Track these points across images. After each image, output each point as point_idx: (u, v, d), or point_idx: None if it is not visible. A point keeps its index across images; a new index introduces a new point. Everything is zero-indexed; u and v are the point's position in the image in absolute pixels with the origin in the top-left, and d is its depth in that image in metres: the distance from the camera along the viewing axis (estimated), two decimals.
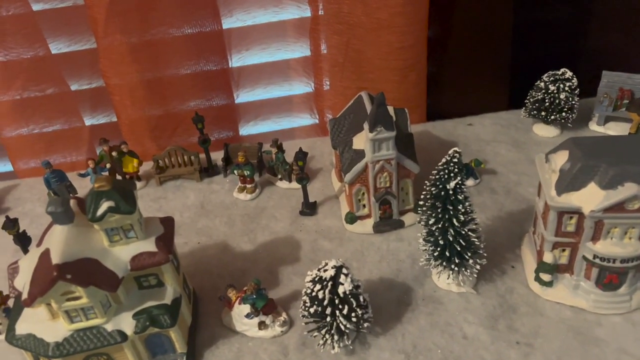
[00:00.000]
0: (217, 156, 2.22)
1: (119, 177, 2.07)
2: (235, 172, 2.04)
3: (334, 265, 1.41)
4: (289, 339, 1.56)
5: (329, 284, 1.40)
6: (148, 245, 1.40)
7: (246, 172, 2.02)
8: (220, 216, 2.00)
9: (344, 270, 1.41)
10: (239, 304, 1.57)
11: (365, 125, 1.69)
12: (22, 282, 1.39)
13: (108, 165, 2.06)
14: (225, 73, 2.31)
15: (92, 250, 1.36)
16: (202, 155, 2.19)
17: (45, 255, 1.34)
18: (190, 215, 2.01)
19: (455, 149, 1.45)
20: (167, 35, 2.07)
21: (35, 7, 2.06)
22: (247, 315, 1.55)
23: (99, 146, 2.05)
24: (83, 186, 2.07)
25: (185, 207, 2.05)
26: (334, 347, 1.46)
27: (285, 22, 2.33)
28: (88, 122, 2.32)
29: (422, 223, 1.57)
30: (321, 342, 1.46)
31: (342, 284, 1.40)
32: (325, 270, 1.41)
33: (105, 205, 1.32)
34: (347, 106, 1.99)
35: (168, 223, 1.50)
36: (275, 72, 2.46)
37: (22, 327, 1.42)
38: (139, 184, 2.15)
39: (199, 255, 1.85)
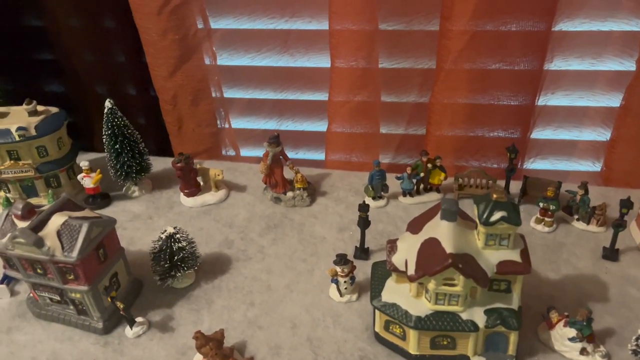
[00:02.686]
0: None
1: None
2: (540, 204, 2.19)
3: None
4: None
5: None
6: (514, 255, 1.61)
7: (552, 207, 2.17)
8: None
9: None
10: (563, 326, 1.72)
11: None
12: (401, 260, 1.67)
13: (422, 174, 2.35)
14: (529, 109, 2.48)
15: (470, 248, 1.60)
16: (498, 182, 2.38)
17: (432, 243, 1.60)
18: None
19: None
20: (498, 67, 2.30)
21: (383, 27, 2.42)
22: (572, 339, 1.69)
23: (419, 157, 2.33)
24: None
25: None
26: None
27: (597, 73, 2.45)
28: (398, 131, 2.64)
29: None
30: None
31: None
32: None
33: (499, 214, 1.54)
34: None
35: (524, 239, 1.69)
36: (569, 116, 2.59)
37: (387, 296, 1.72)
38: (437, 195, 2.41)
39: None
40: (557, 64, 2.42)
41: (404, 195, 2.40)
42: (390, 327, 1.73)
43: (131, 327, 1.84)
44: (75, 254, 1.71)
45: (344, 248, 2.17)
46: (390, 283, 1.74)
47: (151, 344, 1.82)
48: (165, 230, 1.96)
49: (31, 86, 2.77)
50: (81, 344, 1.83)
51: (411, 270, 1.61)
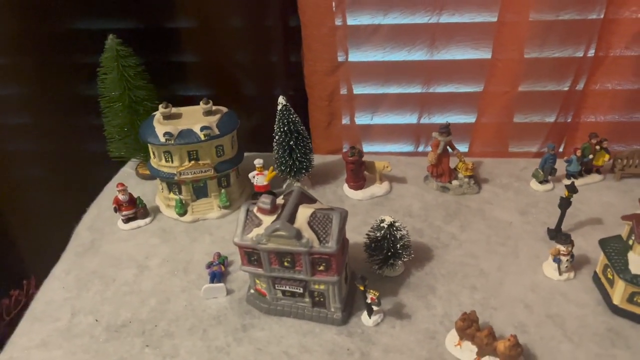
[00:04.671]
0: None
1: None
2: None
3: None
4: None
5: None
6: None
7: None
8: None
9: None
10: None
11: None
12: None
13: (591, 156, 2.43)
14: None
15: None
16: None
17: None
18: None
19: None
20: None
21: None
22: None
23: (590, 140, 2.41)
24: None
25: None
26: None
27: None
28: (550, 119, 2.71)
29: None
30: None
31: None
32: None
33: None
34: None
35: None
36: None
37: (635, 269, 1.78)
38: (598, 177, 2.49)
39: None
40: None
41: (568, 177, 2.47)
42: (635, 299, 1.79)
43: (370, 316, 1.86)
44: (333, 244, 1.71)
45: (533, 230, 2.23)
46: (634, 256, 1.81)
47: (395, 331, 1.84)
48: (384, 220, 1.98)
49: (173, 89, 2.74)
50: (325, 335, 1.83)
51: None
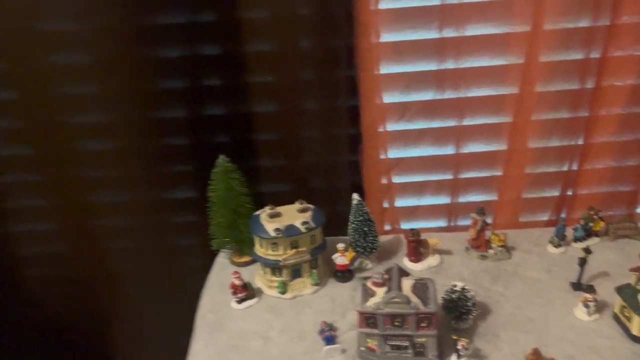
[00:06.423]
0: None
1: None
2: None
3: None
4: None
5: None
6: None
7: None
8: None
9: None
10: None
11: None
12: None
13: (591, 224, 3.17)
14: None
15: None
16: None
17: None
18: None
19: None
20: None
21: None
22: None
23: (589, 211, 3.16)
24: None
25: None
26: None
27: None
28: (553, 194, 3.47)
29: None
30: None
31: None
32: None
33: None
34: None
35: None
36: None
37: None
38: (597, 239, 3.22)
39: None
40: None
41: (575, 241, 3.19)
42: None
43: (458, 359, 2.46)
44: (433, 305, 2.34)
45: (559, 284, 2.91)
46: None
47: None
48: (456, 285, 2.62)
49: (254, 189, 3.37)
50: None
51: None
